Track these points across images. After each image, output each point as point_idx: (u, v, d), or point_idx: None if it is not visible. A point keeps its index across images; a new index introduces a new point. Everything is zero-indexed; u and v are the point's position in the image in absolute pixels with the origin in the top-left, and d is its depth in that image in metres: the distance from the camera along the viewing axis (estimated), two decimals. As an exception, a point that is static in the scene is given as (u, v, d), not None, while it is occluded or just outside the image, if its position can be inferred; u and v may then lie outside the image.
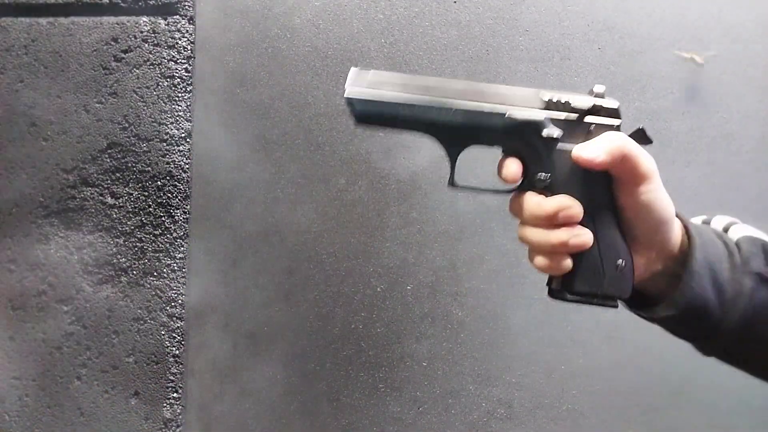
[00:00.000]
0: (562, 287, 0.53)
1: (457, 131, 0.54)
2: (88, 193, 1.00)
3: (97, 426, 0.99)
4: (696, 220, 0.58)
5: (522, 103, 0.53)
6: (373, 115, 0.53)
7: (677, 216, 0.52)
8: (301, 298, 0.98)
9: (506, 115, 0.52)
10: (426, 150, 0.97)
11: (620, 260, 0.51)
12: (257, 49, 1.00)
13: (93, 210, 1.00)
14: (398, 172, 0.97)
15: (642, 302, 0.53)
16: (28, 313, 1.01)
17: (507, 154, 0.54)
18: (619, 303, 0.53)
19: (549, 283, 0.55)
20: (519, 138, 0.53)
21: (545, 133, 0.51)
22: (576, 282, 0.51)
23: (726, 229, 0.55)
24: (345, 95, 0.52)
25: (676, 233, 0.51)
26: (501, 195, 0.56)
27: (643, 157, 0.50)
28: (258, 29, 1.00)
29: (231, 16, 1.00)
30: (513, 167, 0.52)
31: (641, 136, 0.53)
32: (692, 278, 0.49)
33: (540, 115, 0.52)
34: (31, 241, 1.01)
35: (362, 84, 0.52)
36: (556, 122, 0.52)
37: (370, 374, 0.97)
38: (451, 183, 0.56)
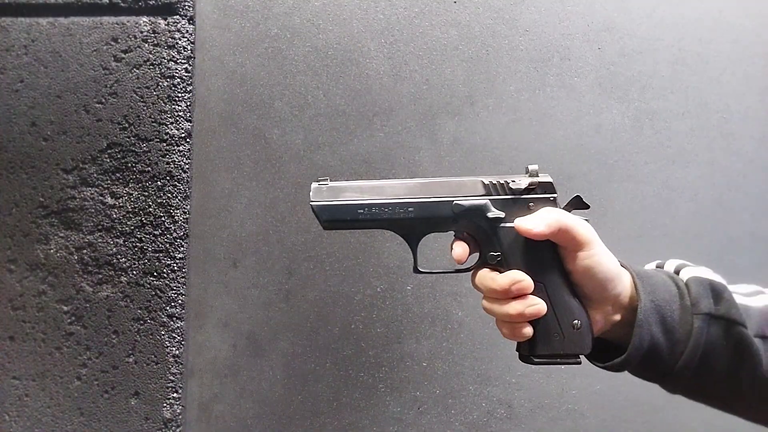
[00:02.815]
0: (528, 352, 0.58)
1: (412, 224, 0.60)
2: (88, 193, 1.00)
3: (97, 426, 0.99)
4: (650, 265, 0.62)
5: (465, 192, 0.59)
6: (337, 220, 0.60)
7: (625, 267, 0.57)
8: (301, 298, 0.98)
9: (453, 204, 0.59)
10: (425, 150, 0.97)
11: (576, 320, 0.56)
12: (257, 49, 1.00)
13: (93, 210, 1.00)
14: (398, 172, 0.97)
15: (610, 351, 0.57)
16: (28, 313, 1.01)
17: (456, 237, 0.60)
18: (584, 358, 0.58)
19: (518, 349, 0.60)
20: (467, 222, 0.59)
21: (489, 215, 0.58)
22: (538, 346, 0.57)
23: (677, 271, 0.59)
24: (310, 204, 0.60)
25: (625, 286, 0.56)
26: (462, 273, 0.61)
27: (579, 226, 0.55)
28: (258, 29, 1.00)
29: (231, 16, 1.00)
30: (458, 249, 0.58)
31: (578, 203, 0.58)
32: (640, 327, 0.54)
33: (482, 199, 0.58)
34: (31, 241, 1.01)
35: (323, 195, 0.60)
36: (497, 204, 0.58)
37: (370, 374, 0.97)
38: (416, 269, 0.62)
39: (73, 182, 1.00)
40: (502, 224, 0.58)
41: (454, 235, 0.61)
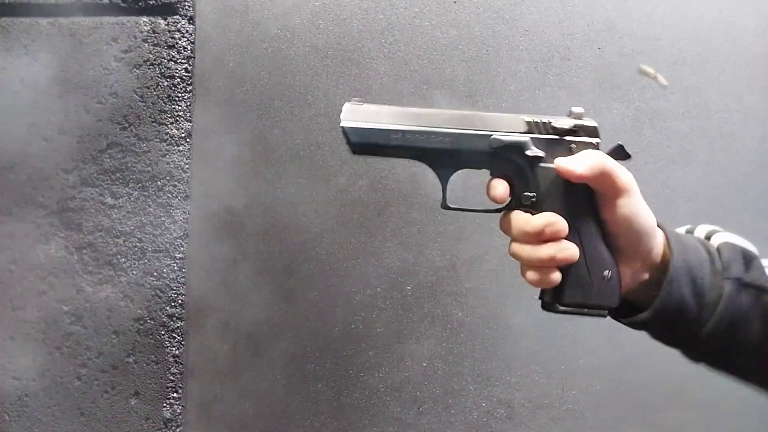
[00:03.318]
0: (552, 300, 0.56)
1: (446, 156, 0.57)
2: (88, 193, 1.00)
3: (97, 426, 0.99)
4: (680, 230, 0.60)
5: (506, 127, 0.56)
6: (367, 144, 0.56)
7: (659, 226, 0.55)
8: (301, 298, 0.98)
9: (491, 138, 0.55)
10: (426, 150, 0.97)
11: (606, 271, 0.54)
12: (257, 49, 1.00)
13: (93, 210, 1.00)
14: (398, 172, 0.97)
15: (631, 312, 0.56)
16: (28, 313, 1.01)
17: (494, 175, 0.57)
18: (607, 313, 0.56)
19: (541, 296, 0.58)
20: (505, 159, 0.56)
21: (529, 152, 0.55)
22: (566, 294, 0.54)
23: (708, 237, 0.58)
24: (340, 125, 0.56)
25: (659, 243, 0.54)
26: (491, 214, 0.59)
27: (620, 172, 0.53)
28: (258, 29, 1.00)
29: (231, 16, 1.00)
30: (500, 188, 0.55)
31: (620, 152, 0.56)
32: (671, 284, 0.52)
33: (523, 136, 0.55)
34: (31, 241, 1.01)
35: (356, 116, 0.56)
36: (538, 143, 0.55)
37: (370, 374, 0.97)
38: (444, 205, 0.59)
39: (73, 182, 1.00)
40: (541, 164, 0.55)
41: (491, 173, 0.58)
